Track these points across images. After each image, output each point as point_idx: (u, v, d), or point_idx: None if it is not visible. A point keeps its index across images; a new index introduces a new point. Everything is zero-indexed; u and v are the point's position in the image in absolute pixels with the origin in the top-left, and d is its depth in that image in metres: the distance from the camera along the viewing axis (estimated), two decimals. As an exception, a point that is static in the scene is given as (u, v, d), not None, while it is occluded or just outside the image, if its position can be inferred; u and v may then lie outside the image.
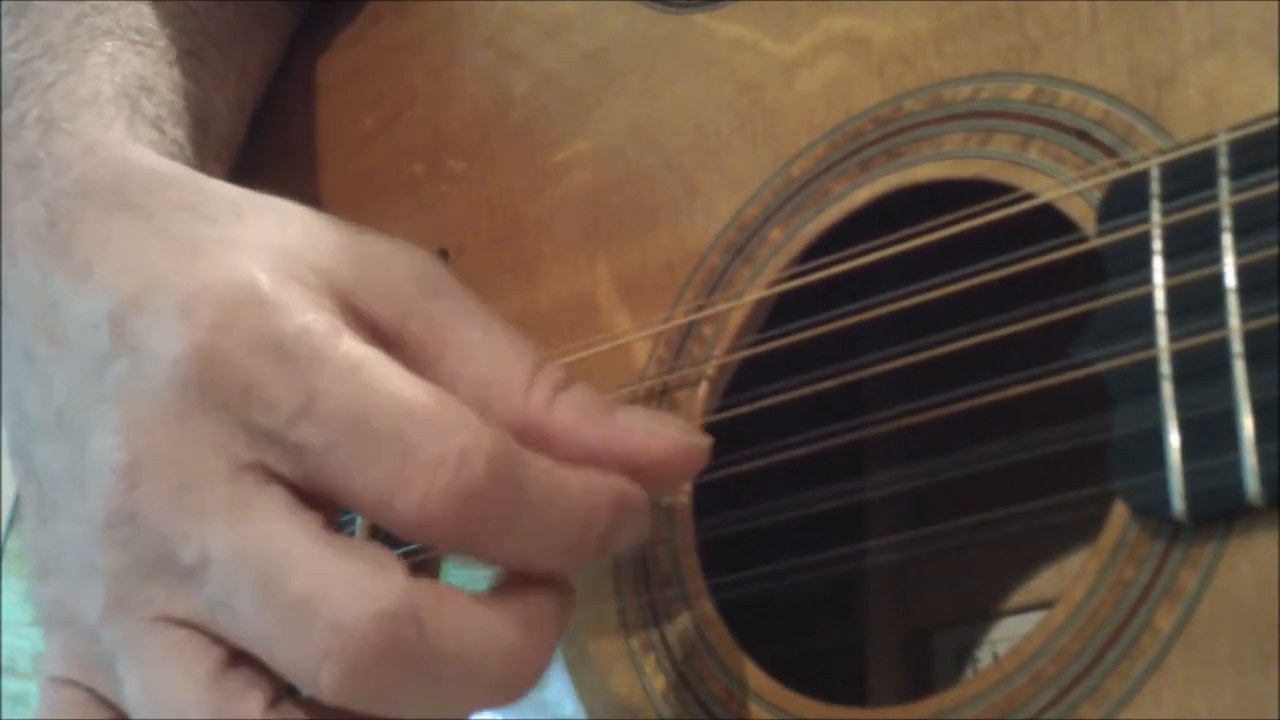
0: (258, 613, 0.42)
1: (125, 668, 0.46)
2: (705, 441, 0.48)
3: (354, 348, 0.44)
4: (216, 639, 0.44)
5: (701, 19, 0.61)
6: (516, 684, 0.44)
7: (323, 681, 0.42)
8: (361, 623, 0.41)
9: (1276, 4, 0.45)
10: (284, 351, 0.43)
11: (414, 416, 0.43)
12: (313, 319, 0.44)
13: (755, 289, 0.55)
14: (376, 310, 0.47)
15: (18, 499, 0.78)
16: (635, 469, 0.46)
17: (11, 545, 0.80)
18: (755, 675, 0.50)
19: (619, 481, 0.46)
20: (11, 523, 0.80)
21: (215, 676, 0.44)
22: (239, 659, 0.44)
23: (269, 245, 0.47)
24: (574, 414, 0.47)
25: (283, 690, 0.45)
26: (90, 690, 0.48)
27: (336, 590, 0.42)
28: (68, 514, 0.47)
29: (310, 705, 0.44)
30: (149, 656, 0.45)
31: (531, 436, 0.45)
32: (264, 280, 0.45)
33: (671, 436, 0.47)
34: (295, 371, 0.43)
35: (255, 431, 0.43)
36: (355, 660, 0.41)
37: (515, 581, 0.45)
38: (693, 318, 0.56)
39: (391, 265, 0.48)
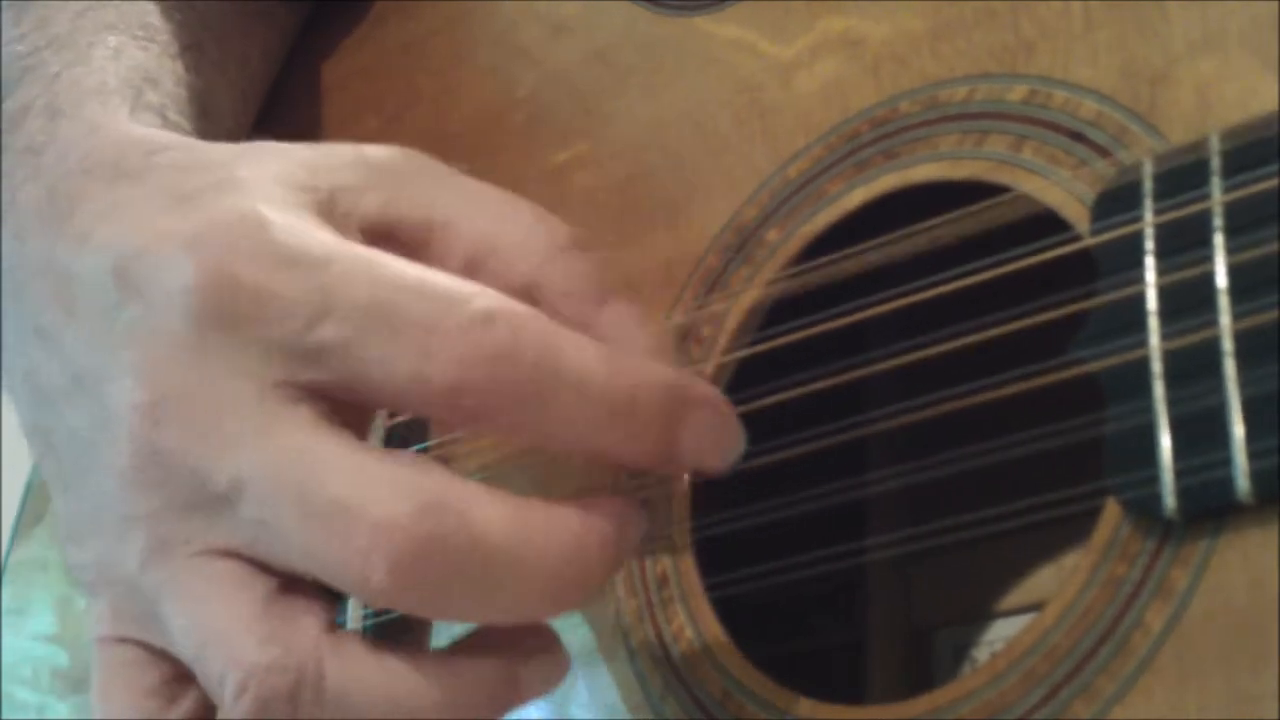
0: (299, 525, 0.42)
1: (171, 608, 0.45)
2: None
3: (359, 247, 0.44)
4: (263, 568, 0.44)
5: (700, 21, 0.62)
6: (569, 590, 0.43)
7: (372, 582, 0.41)
8: (404, 516, 0.41)
9: (1271, 3, 0.45)
10: (292, 259, 0.43)
11: (430, 294, 0.42)
12: (315, 229, 0.44)
13: (753, 289, 0.55)
14: (366, 203, 0.47)
15: (22, 506, 0.78)
16: None
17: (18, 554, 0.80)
18: (753, 674, 0.50)
19: (677, 373, 0.45)
20: (15, 532, 0.80)
21: (267, 603, 0.43)
22: (289, 587, 0.44)
23: (263, 178, 0.46)
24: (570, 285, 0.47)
25: (336, 618, 0.44)
26: (142, 643, 0.47)
27: (375, 490, 0.41)
28: (97, 470, 0.46)
29: (363, 637, 0.44)
30: (194, 592, 0.44)
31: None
32: (264, 207, 0.45)
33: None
34: (307, 275, 0.43)
35: (275, 347, 0.43)
36: (400, 554, 0.41)
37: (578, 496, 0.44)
38: (691, 318, 0.57)
39: (370, 155, 0.48)
